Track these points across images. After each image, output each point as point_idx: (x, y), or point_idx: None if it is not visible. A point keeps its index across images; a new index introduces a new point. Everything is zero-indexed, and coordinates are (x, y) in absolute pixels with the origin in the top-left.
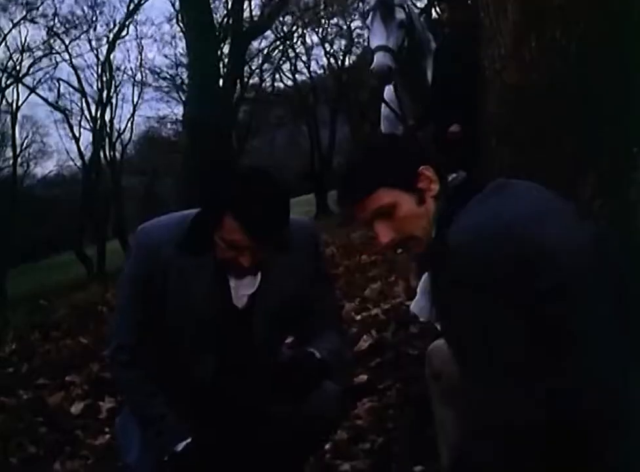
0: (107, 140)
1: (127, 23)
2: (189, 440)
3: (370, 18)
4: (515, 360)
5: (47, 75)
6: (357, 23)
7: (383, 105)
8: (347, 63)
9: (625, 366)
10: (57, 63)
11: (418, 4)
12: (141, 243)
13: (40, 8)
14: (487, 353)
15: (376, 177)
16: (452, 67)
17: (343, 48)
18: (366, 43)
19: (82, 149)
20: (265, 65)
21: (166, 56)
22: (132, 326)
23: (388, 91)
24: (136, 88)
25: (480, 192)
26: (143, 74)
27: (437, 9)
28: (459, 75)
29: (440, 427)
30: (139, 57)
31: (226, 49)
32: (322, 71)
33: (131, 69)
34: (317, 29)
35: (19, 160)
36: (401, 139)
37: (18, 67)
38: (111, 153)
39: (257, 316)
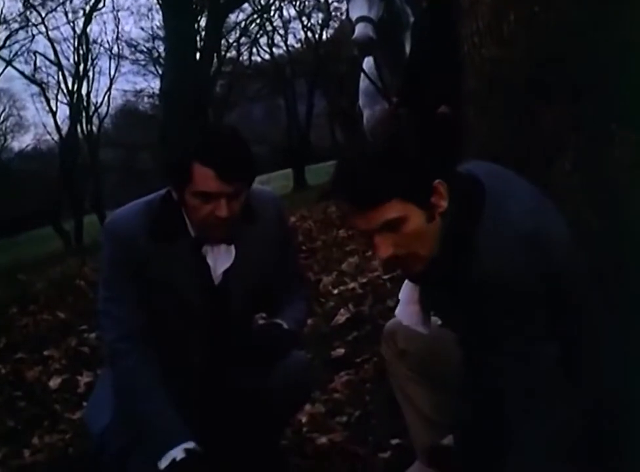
0: (84, 114)
1: None
2: (189, 445)
3: None
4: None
5: (23, 48)
6: None
7: (361, 79)
8: (324, 36)
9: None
10: (33, 35)
11: None
12: (113, 235)
13: None
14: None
15: (391, 186)
16: (430, 43)
17: (320, 21)
18: (344, 16)
19: (59, 122)
20: (243, 39)
21: (142, 29)
22: (128, 313)
23: (367, 63)
24: (112, 61)
25: (484, 200)
26: (120, 47)
27: None
28: (438, 51)
29: (406, 403)
30: (115, 30)
31: (203, 22)
32: (299, 44)
33: (108, 42)
34: (294, 3)
35: None
36: (419, 145)
37: None
38: (88, 127)
39: (233, 291)
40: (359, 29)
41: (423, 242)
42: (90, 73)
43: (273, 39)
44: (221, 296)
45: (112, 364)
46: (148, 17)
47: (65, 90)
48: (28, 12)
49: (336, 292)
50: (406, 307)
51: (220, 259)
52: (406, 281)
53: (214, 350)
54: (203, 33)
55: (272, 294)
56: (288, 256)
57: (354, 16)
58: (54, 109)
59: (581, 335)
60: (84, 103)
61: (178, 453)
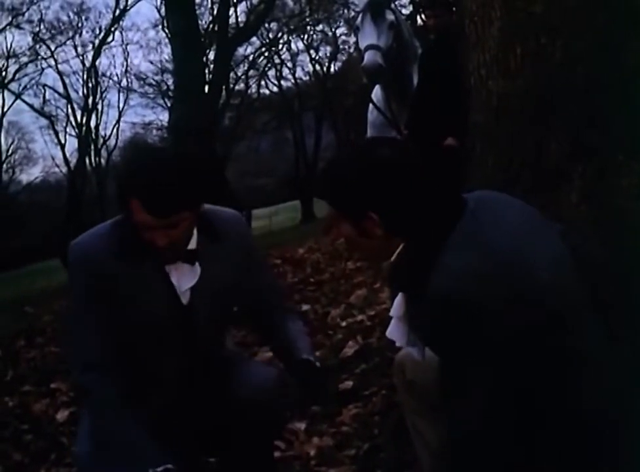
0: (92, 146)
1: (113, 29)
2: (168, 466)
3: (360, 18)
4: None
5: (33, 81)
6: (342, 30)
7: (369, 110)
8: (332, 69)
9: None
10: (43, 69)
11: (404, 11)
12: (78, 259)
13: (26, 14)
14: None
15: (329, 197)
16: (438, 75)
17: (328, 54)
18: (351, 50)
19: (67, 155)
20: (251, 72)
21: (151, 62)
22: (95, 342)
23: (376, 95)
24: (121, 94)
25: (460, 218)
26: (129, 80)
27: (422, 16)
28: (445, 83)
29: (416, 435)
30: (124, 63)
31: (212, 55)
32: (307, 77)
33: (117, 75)
34: (302, 36)
35: (4, 166)
36: (365, 175)
37: (3, 73)
38: (97, 159)
39: (200, 308)
40: (368, 57)
41: (359, 247)
42: (99, 106)
43: (281, 72)
44: (188, 314)
45: (81, 394)
46: (157, 50)
47: (74, 123)
48: (37, 46)
49: (344, 324)
50: (395, 322)
51: (184, 278)
52: (397, 297)
53: (185, 366)
54: (212, 66)
55: (256, 310)
56: (255, 272)
57: (363, 44)
58: (63, 141)
59: (572, 362)
60: (93, 136)
61: None
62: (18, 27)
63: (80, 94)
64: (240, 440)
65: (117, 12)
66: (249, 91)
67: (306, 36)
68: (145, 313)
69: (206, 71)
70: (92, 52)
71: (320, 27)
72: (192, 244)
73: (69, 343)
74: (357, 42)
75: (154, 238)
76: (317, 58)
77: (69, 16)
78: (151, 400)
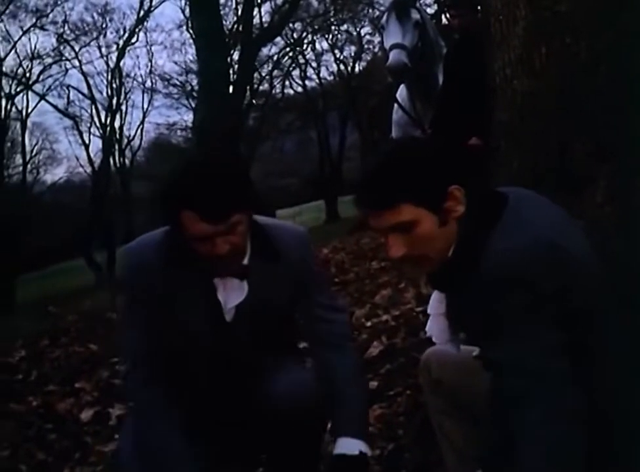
0: (116, 147)
1: (137, 30)
2: None
3: (385, 17)
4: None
5: (57, 82)
6: (366, 29)
7: (394, 110)
8: (357, 69)
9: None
10: (67, 70)
11: (428, 11)
12: (128, 264)
13: (50, 15)
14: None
15: (403, 191)
16: (462, 75)
17: (353, 54)
18: (376, 49)
19: (91, 155)
20: (275, 72)
21: (176, 63)
22: (141, 345)
23: (401, 95)
24: (145, 94)
25: (504, 208)
26: (153, 81)
27: (447, 15)
28: (470, 83)
29: (441, 435)
30: (149, 64)
31: (236, 56)
32: (332, 77)
33: (141, 75)
34: (326, 36)
35: (28, 167)
36: (435, 151)
37: (27, 74)
38: (121, 160)
39: (243, 327)
40: (393, 56)
41: (434, 245)
42: (123, 107)
43: (305, 72)
44: (230, 332)
45: (127, 392)
46: (181, 51)
47: (98, 124)
48: (62, 47)
49: (368, 324)
50: (433, 319)
51: (232, 295)
52: (433, 293)
53: (221, 382)
54: (236, 67)
55: (318, 343)
56: (310, 301)
57: (388, 43)
58: (87, 142)
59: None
60: (117, 136)
61: None
62: (42, 28)
63: (105, 94)
64: (283, 442)
65: (141, 13)
66: (273, 91)
67: (331, 36)
68: (185, 324)
69: (231, 71)
70: (116, 53)
71: (344, 26)
72: (244, 259)
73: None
74: (381, 42)
75: (214, 248)
76: (341, 57)
77: (93, 17)
78: (189, 408)
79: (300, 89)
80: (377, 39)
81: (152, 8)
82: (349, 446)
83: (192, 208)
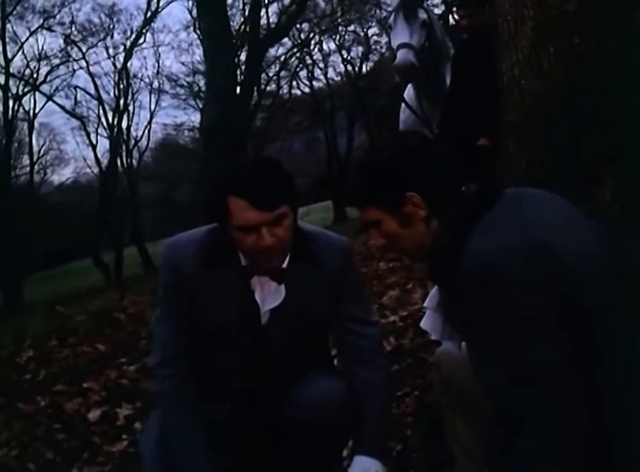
0: (124, 147)
1: (144, 30)
2: None
3: (392, 17)
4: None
5: (64, 83)
6: (374, 30)
7: (402, 110)
8: (364, 70)
9: None
10: (74, 70)
11: (436, 11)
12: (166, 260)
13: (58, 16)
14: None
15: (366, 195)
16: (471, 75)
17: (360, 55)
18: (383, 50)
19: (99, 156)
20: (282, 72)
21: (183, 64)
22: (171, 340)
23: (408, 94)
24: (153, 95)
25: (497, 202)
26: (161, 81)
27: (455, 16)
28: (478, 83)
29: (451, 434)
30: (156, 64)
31: (243, 56)
32: (339, 78)
33: (148, 76)
34: (334, 36)
35: (36, 167)
36: (391, 158)
37: (35, 75)
38: (128, 160)
39: (278, 331)
40: (401, 55)
41: (403, 242)
42: (131, 107)
43: (312, 73)
44: (265, 335)
45: (155, 385)
46: (189, 52)
47: (105, 124)
48: (69, 48)
49: None
50: (428, 313)
51: (269, 297)
52: (432, 289)
53: (253, 384)
54: (243, 67)
55: (347, 356)
56: (346, 310)
57: (396, 42)
58: (94, 142)
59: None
60: (124, 137)
61: None
62: (50, 29)
63: (112, 95)
64: (307, 450)
65: (149, 13)
66: (281, 92)
67: (338, 36)
68: (220, 324)
69: (238, 72)
70: (123, 54)
71: (352, 27)
72: (284, 262)
73: (151, 336)
74: (389, 42)
75: (260, 239)
76: (348, 58)
77: (100, 18)
78: (214, 410)
79: (307, 90)
80: (384, 39)
81: (159, 9)
82: (366, 465)
83: (241, 194)
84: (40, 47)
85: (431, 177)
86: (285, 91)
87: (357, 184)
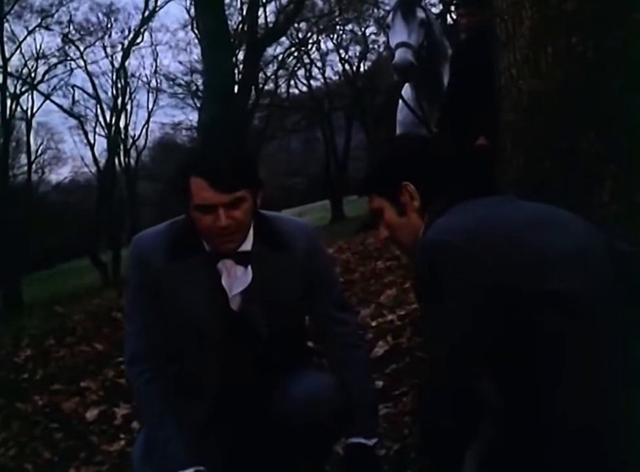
0: (121, 146)
1: (142, 30)
2: (199, 468)
3: (390, 16)
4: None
5: (62, 82)
6: (371, 29)
7: (399, 109)
8: (362, 69)
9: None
10: (72, 69)
11: (434, 10)
12: (133, 253)
13: (55, 16)
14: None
15: (371, 183)
16: (469, 75)
17: (358, 54)
18: (381, 49)
19: (97, 155)
20: (280, 72)
21: (181, 63)
22: (141, 336)
23: (406, 94)
24: (150, 94)
25: (477, 199)
26: (158, 80)
27: (454, 15)
28: (476, 83)
29: None
30: (154, 64)
31: (241, 56)
32: (337, 77)
33: (146, 75)
34: (331, 36)
35: (33, 166)
36: (392, 149)
37: (32, 74)
38: (126, 160)
39: (254, 315)
40: (399, 54)
41: (400, 232)
42: (128, 106)
43: (310, 72)
44: (239, 319)
45: (129, 382)
46: (186, 51)
47: (103, 123)
48: (67, 47)
49: (374, 324)
50: None
51: (236, 282)
52: None
53: (232, 378)
54: (241, 66)
55: (330, 343)
56: (319, 296)
57: (394, 41)
58: (92, 142)
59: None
60: (122, 136)
61: None
62: (47, 28)
63: (110, 94)
64: (288, 456)
65: (146, 13)
66: (278, 91)
67: (336, 36)
68: (189, 312)
69: (236, 71)
70: (121, 53)
71: (349, 26)
72: (247, 246)
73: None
74: (387, 41)
75: (216, 220)
76: (346, 57)
77: (98, 17)
78: (192, 405)
79: (305, 89)
80: (382, 38)
81: (157, 8)
82: (360, 448)
83: (202, 174)
84: (38, 46)
85: (427, 171)
86: (283, 90)
87: (367, 174)
